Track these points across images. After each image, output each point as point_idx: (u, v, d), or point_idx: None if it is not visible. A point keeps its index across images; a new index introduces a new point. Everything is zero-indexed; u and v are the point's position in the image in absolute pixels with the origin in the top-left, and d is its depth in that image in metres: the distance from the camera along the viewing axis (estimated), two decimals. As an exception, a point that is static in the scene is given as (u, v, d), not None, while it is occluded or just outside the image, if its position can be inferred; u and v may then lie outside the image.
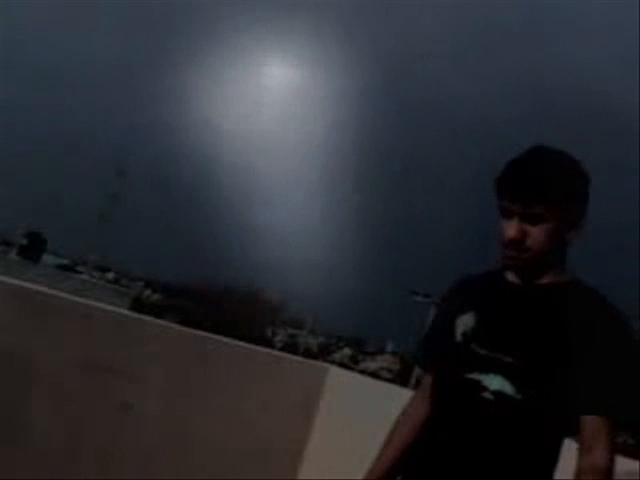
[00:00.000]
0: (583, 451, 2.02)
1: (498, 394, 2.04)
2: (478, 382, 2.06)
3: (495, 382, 2.05)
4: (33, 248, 39.84)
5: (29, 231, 41.81)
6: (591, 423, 2.01)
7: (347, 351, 50.02)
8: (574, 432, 2.05)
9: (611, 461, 2.01)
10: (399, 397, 2.55)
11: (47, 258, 42.10)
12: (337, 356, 46.36)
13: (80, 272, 44.01)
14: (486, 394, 2.05)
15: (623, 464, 2.90)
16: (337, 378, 4.20)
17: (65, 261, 45.82)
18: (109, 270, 52.50)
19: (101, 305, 3.67)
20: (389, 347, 50.49)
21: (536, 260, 2.09)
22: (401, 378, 35.67)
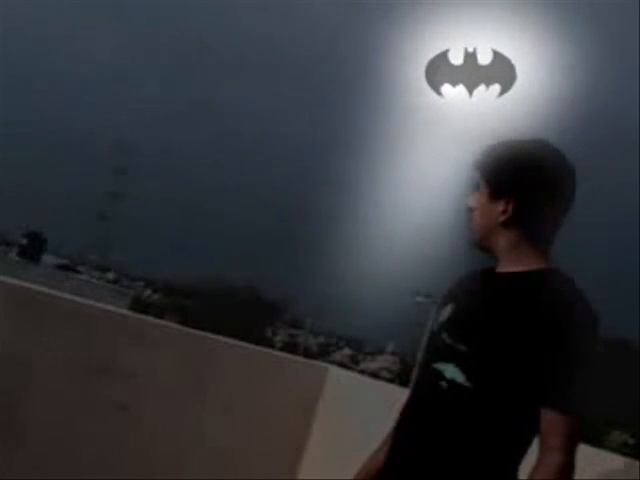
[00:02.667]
0: (540, 448, 1.98)
1: (451, 383, 2.04)
2: (439, 372, 2.07)
3: (449, 371, 2.05)
4: (33, 248, 39.86)
5: (29, 231, 41.83)
6: (546, 418, 1.96)
7: (347, 351, 50.04)
8: None
9: (566, 462, 1.94)
10: (399, 397, 2.55)
11: (47, 258, 42.12)
12: (337, 356, 46.38)
13: (80, 272, 44.03)
14: (442, 383, 2.06)
15: (623, 464, 2.89)
16: (337, 378, 4.19)
17: (65, 261, 45.84)
18: (109, 270, 52.56)
19: (101, 305, 3.67)
20: (389, 347, 50.50)
21: (479, 235, 2.13)
22: (401, 378, 35.69)
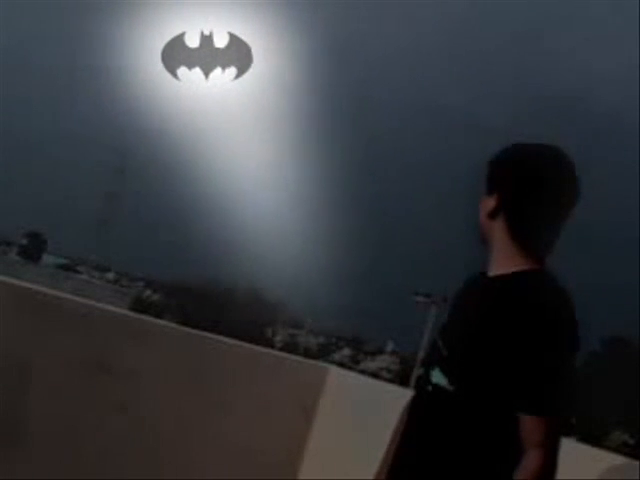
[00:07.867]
0: (524, 452, 1.97)
1: (435, 386, 2.08)
2: (428, 375, 2.11)
3: (435, 375, 2.09)
4: (33, 248, 39.91)
5: (29, 231, 41.87)
6: (522, 421, 1.97)
7: (347, 351, 50.00)
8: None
9: (545, 462, 1.94)
10: (399, 397, 2.55)
11: (47, 258, 42.18)
12: (337, 356, 46.35)
13: (80, 272, 44.06)
14: (429, 386, 2.10)
15: (623, 464, 2.89)
16: (337, 378, 4.19)
17: (65, 261, 45.88)
18: (109, 270, 52.52)
19: (101, 305, 3.67)
20: (389, 347, 50.49)
21: (480, 228, 2.19)
22: (401, 378, 35.69)
